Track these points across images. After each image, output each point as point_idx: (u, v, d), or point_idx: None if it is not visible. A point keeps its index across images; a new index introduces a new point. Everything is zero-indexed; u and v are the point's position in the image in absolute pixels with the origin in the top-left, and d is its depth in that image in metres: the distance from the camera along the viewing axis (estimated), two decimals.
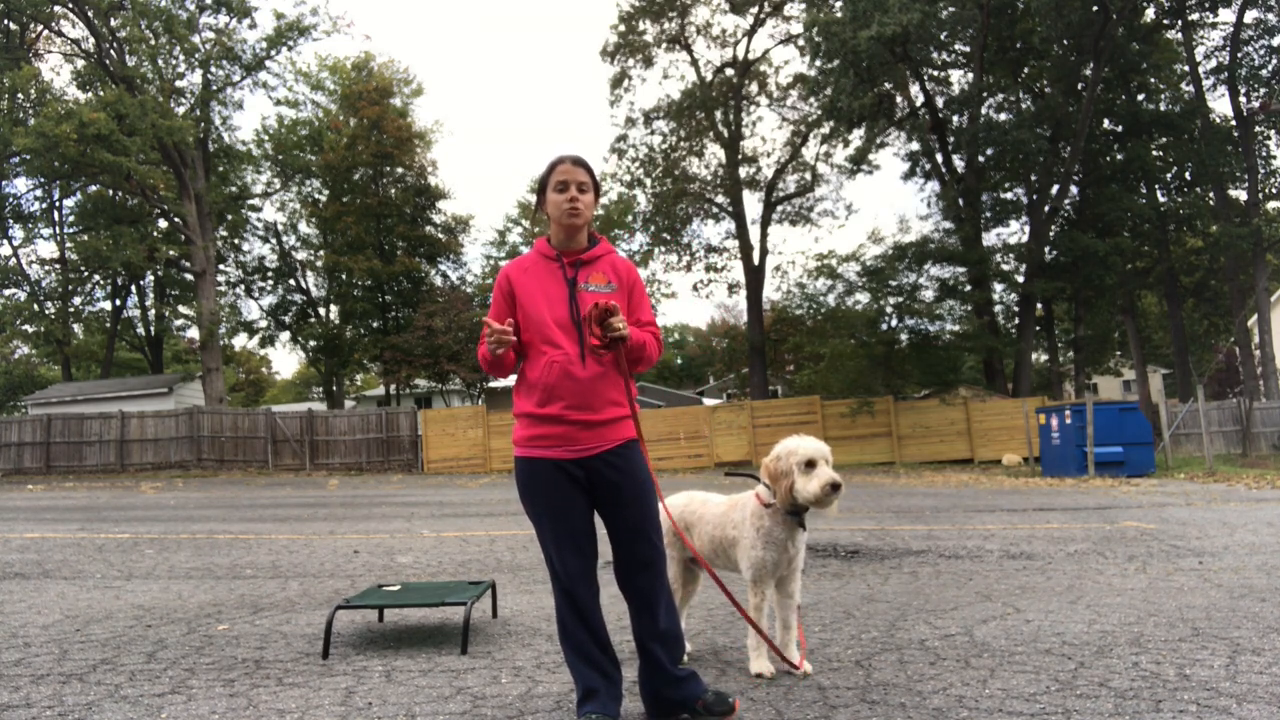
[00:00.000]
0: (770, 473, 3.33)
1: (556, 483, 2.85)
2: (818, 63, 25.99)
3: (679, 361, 59.22)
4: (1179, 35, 28.97)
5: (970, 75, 27.22)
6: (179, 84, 30.78)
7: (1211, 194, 28.89)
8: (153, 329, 39.71)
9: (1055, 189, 26.41)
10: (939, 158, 27.85)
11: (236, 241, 39.33)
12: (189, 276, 31.93)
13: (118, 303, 38.19)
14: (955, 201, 26.19)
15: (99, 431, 25.89)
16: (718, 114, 32.89)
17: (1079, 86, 26.10)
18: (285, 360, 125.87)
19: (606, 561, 2.99)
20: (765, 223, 33.03)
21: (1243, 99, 28.17)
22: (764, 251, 32.72)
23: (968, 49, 27.64)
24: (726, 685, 3.33)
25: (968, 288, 26.19)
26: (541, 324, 2.89)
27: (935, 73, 28.81)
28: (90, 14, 28.37)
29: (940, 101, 28.13)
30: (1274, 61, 28.16)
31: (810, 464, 3.27)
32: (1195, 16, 28.24)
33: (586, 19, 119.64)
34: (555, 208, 2.94)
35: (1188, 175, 29.50)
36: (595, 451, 2.86)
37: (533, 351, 2.92)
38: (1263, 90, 28.21)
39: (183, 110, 30.33)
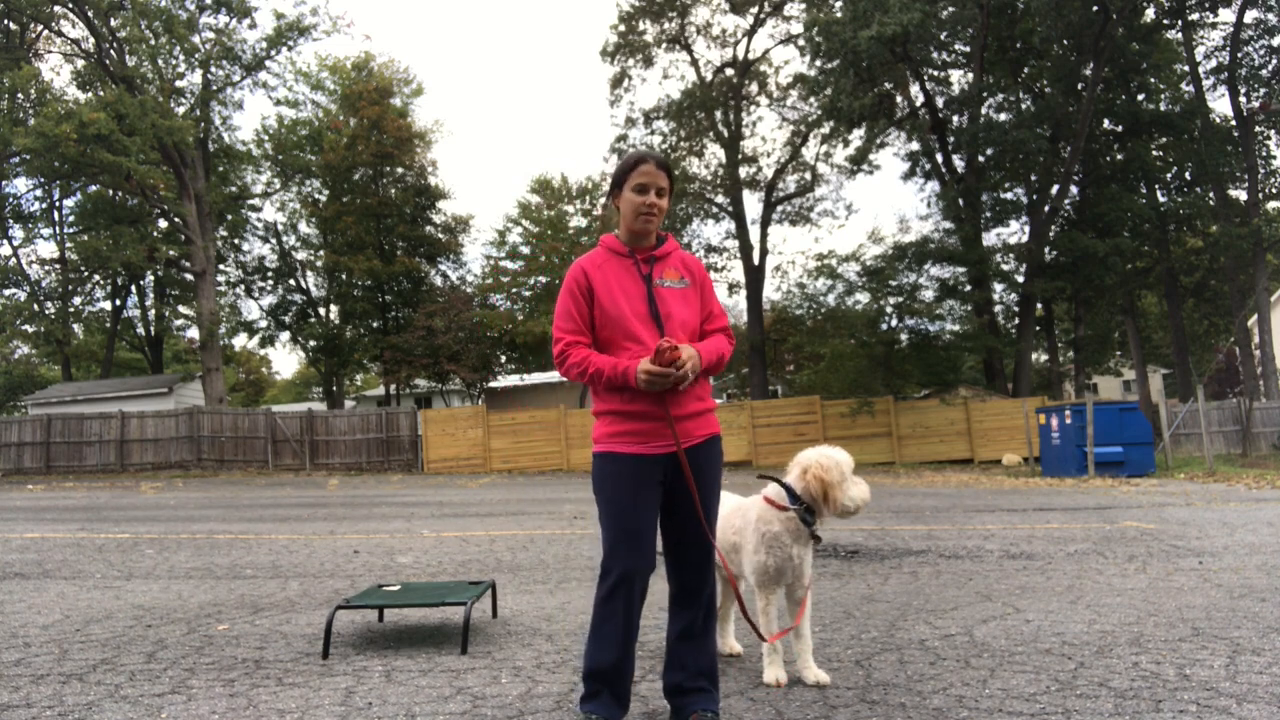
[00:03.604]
0: (824, 481, 3.25)
1: (635, 479, 2.83)
2: (818, 63, 26.02)
3: None
4: (1179, 35, 28.95)
5: (970, 75, 27.22)
6: (179, 84, 30.79)
7: (1211, 194, 28.88)
8: (153, 329, 39.68)
9: (1055, 189, 26.40)
10: (939, 158, 27.84)
11: (236, 241, 39.31)
12: (189, 276, 31.90)
13: (118, 303, 38.20)
14: (955, 201, 26.18)
15: (99, 431, 25.87)
16: (718, 114, 32.90)
17: (1079, 86, 26.09)
18: (285, 360, 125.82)
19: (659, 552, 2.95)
20: (765, 223, 33.07)
21: (1243, 99, 28.16)
22: (764, 251, 32.75)
23: (968, 49, 27.64)
24: (726, 685, 3.33)
25: (968, 288, 26.19)
26: (622, 320, 2.88)
27: (935, 73, 28.80)
28: (90, 14, 28.35)
29: (940, 101, 28.13)
30: (1274, 61, 28.15)
31: (853, 473, 3.38)
32: (1195, 16, 28.21)
33: (586, 19, 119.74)
34: (632, 208, 2.92)
35: (1188, 175, 29.49)
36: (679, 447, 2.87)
37: (614, 349, 2.90)
38: (1263, 90, 28.20)
39: (183, 110, 30.33)
